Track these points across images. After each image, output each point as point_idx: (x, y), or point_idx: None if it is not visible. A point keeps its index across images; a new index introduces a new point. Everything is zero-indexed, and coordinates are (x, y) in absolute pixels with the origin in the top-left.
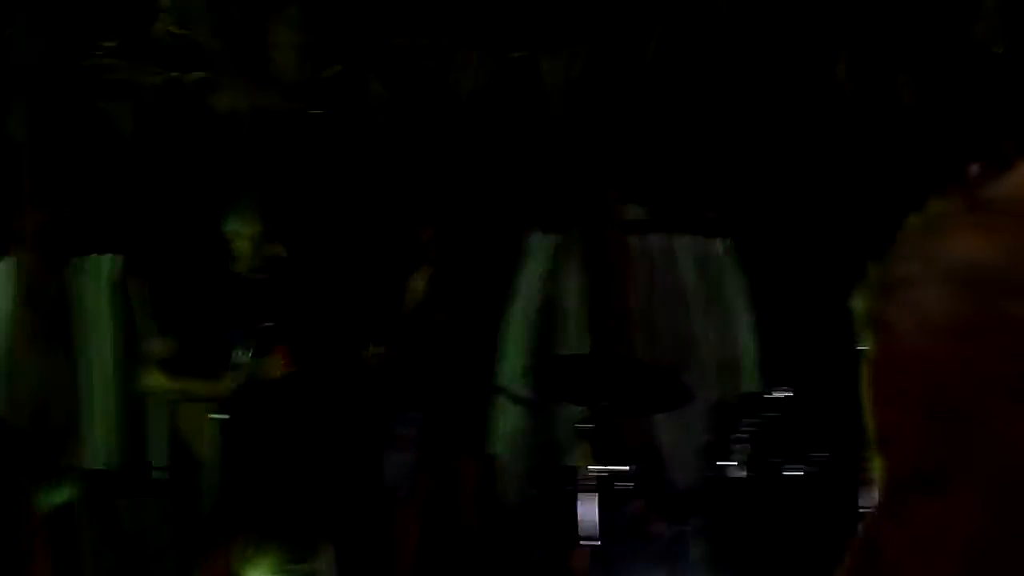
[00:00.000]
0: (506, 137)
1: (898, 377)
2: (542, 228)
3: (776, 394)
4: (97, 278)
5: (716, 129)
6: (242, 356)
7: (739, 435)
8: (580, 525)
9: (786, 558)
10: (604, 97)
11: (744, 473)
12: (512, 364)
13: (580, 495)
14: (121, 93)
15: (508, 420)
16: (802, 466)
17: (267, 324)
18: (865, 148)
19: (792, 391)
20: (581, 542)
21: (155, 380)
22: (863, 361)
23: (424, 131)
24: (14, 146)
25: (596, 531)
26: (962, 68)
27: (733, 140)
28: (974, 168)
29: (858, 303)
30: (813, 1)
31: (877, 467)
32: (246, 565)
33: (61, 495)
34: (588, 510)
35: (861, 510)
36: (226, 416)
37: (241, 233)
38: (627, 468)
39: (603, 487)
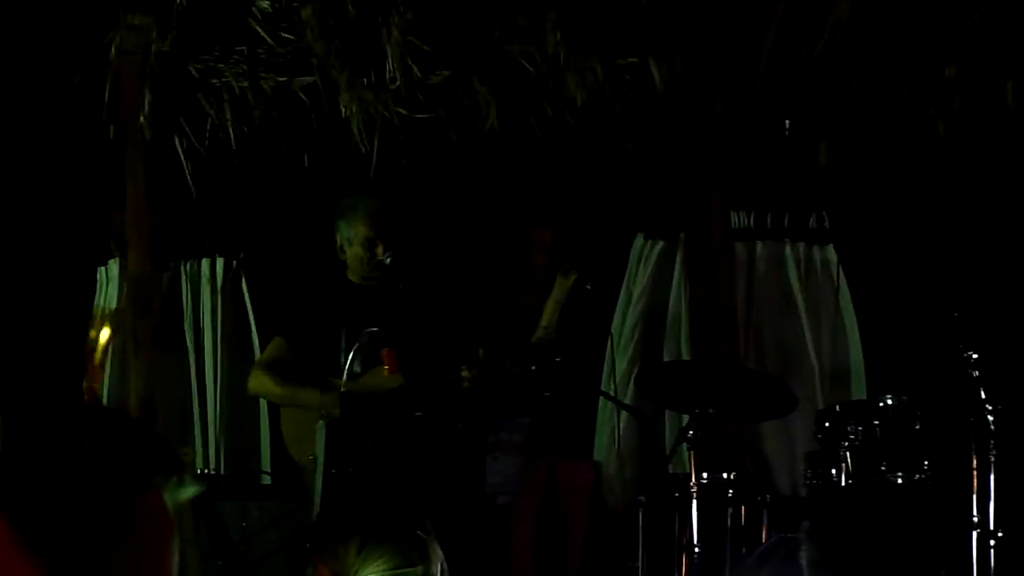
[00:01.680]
0: (612, 142)
1: None
2: (648, 234)
3: (883, 401)
4: (206, 281)
5: (823, 134)
6: (349, 361)
7: (845, 443)
8: (685, 532)
9: (892, 567)
10: (712, 102)
11: (850, 481)
12: (618, 370)
13: (685, 502)
14: (229, 98)
15: (614, 426)
16: (909, 474)
17: (374, 329)
18: (972, 154)
19: (899, 399)
20: (686, 549)
21: (262, 384)
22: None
23: (533, 136)
24: (119, 149)
25: (700, 538)
26: None
27: (840, 145)
28: None
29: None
30: (923, 7)
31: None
32: (354, 570)
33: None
34: (693, 517)
35: (969, 518)
36: (333, 420)
37: (351, 239)
38: (732, 475)
39: (708, 494)
